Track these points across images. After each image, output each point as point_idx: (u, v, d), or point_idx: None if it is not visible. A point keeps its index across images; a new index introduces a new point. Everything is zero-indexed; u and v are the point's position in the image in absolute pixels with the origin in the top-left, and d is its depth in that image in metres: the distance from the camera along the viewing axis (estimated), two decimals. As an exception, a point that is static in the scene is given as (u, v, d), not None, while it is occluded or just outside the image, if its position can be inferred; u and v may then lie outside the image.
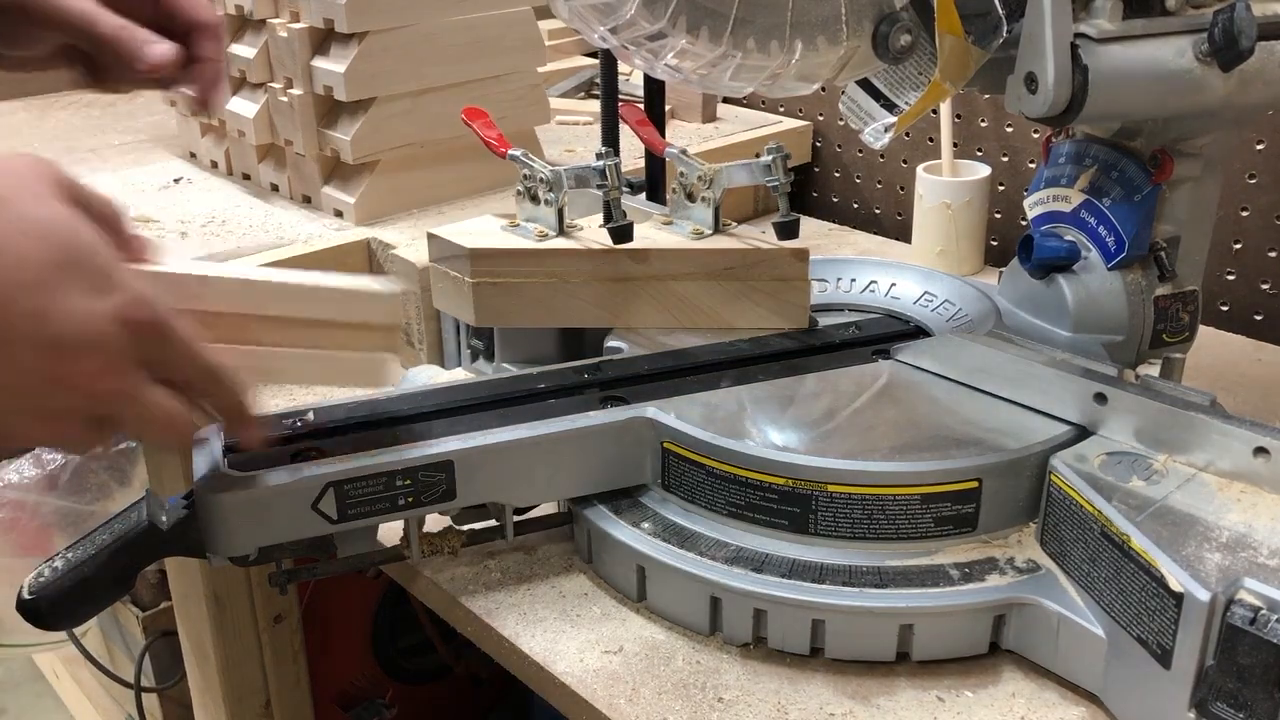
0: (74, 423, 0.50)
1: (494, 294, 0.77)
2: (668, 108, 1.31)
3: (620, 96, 0.95)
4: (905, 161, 1.27)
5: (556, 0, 0.64)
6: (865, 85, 0.72)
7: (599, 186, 0.75)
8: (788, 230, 0.76)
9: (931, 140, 1.23)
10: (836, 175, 1.35)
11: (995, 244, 1.19)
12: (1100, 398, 0.64)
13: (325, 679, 1.32)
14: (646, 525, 0.66)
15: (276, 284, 0.58)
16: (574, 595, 0.67)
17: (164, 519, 0.62)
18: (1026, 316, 0.76)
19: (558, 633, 0.64)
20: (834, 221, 1.31)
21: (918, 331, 0.80)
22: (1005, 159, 1.18)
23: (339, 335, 0.60)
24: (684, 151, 0.80)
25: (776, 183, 0.75)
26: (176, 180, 1.21)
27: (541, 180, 0.78)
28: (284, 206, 1.13)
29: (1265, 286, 1.02)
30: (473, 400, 0.70)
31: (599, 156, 0.75)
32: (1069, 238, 0.74)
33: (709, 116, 1.36)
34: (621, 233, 0.75)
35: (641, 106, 0.89)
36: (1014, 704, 0.58)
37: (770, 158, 0.75)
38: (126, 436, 0.54)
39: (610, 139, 0.85)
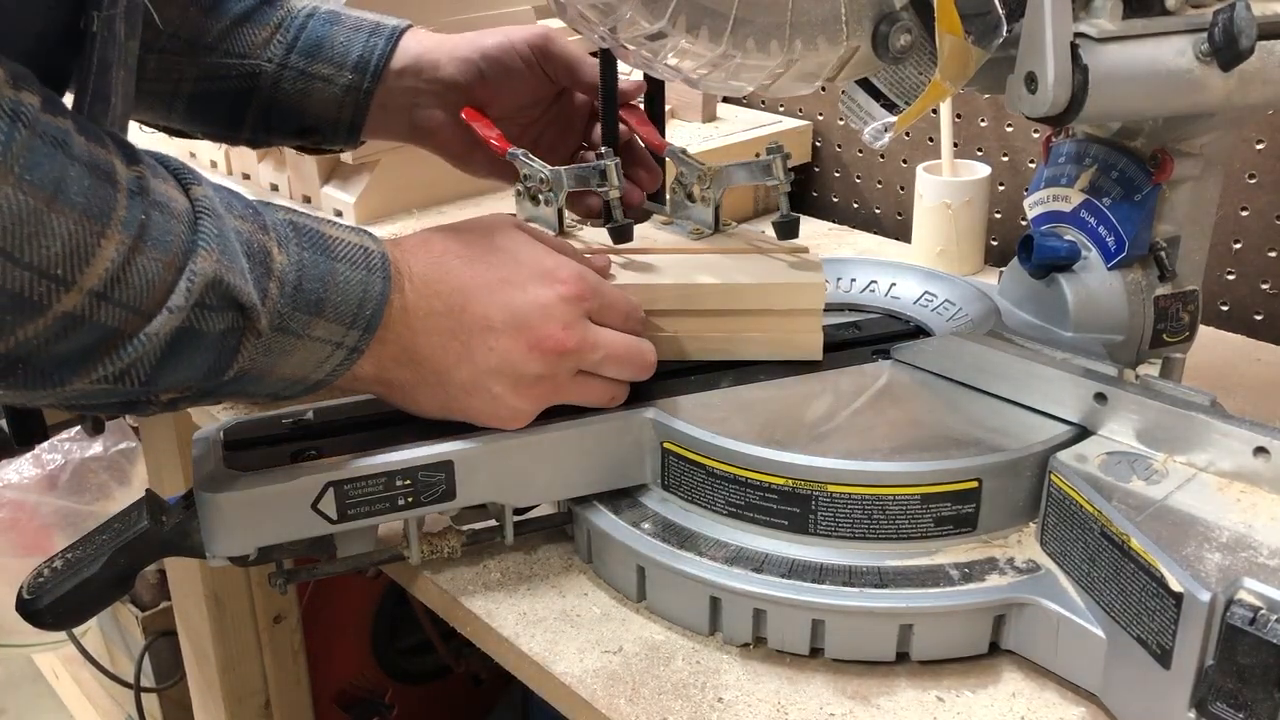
0: (559, 383, 0.65)
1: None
2: (668, 108, 1.31)
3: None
4: (905, 161, 1.27)
5: (556, 0, 0.64)
6: (865, 85, 0.72)
7: (599, 186, 0.75)
8: (788, 229, 0.75)
9: (931, 140, 1.23)
10: (836, 175, 1.35)
11: (995, 244, 1.19)
12: (1100, 398, 0.64)
13: (325, 679, 1.33)
14: (646, 525, 0.66)
15: (716, 285, 0.72)
16: (574, 595, 0.67)
17: (164, 519, 0.62)
18: (1026, 316, 0.76)
19: (558, 633, 0.64)
20: (834, 221, 1.31)
21: (918, 331, 0.80)
22: (1005, 159, 1.18)
23: (774, 319, 0.72)
24: (684, 151, 0.80)
25: (776, 183, 0.74)
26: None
27: (541, 180, 0.77)
28: (284, 206, 1.13)
29: (1265, 286, 1.02)
30: (473, 400, 0.70)
31: (599, 156, 0.75)
32: (1069, 238, 0.74)
33: (709, 116, 1.36)
34: (621, 232, 0.75)
35: (641, 106, 0.89)
36: (1014, 704, 0.58)
37: (770, 158, 0.74)
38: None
39: (610, 139, 0.85)
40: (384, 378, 0.63)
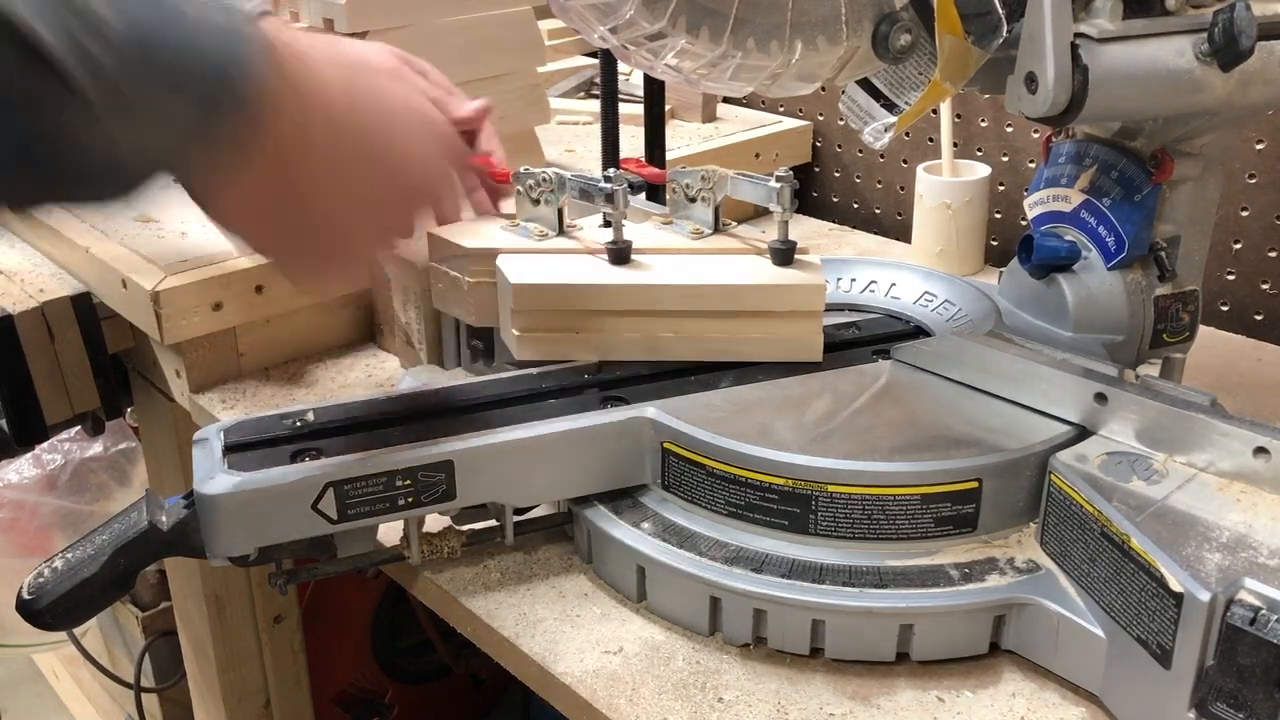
0: (402, 211, 0.62)
1: (493, 294, 0.77)
2: (668, 108, 1.31)
3: (620, 96, 0.95)
4: (905, 161, 1.27)
5: (556, 0, 0.64)
6: (865, 85, 0.72)
7: (604, 206, 0.75)
8: (783, 258, 0.74)
9: (931, 140, 1.23)
10: (836, 175, 1.35)
11: (995, 244, 1.19)
12: (1100, 398, 0.64)
13: (325, 679, 1.33)
14: (646, 525, 0.66)
15: (716, 286, 0.72)
16: (574, 595, 0.67)
17: (164, 519, 0.62)
18: (1026, 316, 0.76)
19: (558, 633, 0.64)
20: (834, 221, 1.31)
21: (918, 331, 0.80)
22: (1005, 159, 1.18)
23: (774, 320, 0.72)
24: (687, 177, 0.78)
25: (780, 210, 0.73)
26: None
27: (544, 181, 0.78)
28: (284, 206, 1.13)
29: (1265, 286, 1.02)
30: (473, 400, 0.70)
31: (607, 180, 0.74)
32: (1069, 238, 0.74)
33: (709, 116, 1.36)
34: (619, 255, 0.75)
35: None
36: (1014, 704, 0.58)
37: (779, 185, 0.72)
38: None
39: (610, 140, 0.85)
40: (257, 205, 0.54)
